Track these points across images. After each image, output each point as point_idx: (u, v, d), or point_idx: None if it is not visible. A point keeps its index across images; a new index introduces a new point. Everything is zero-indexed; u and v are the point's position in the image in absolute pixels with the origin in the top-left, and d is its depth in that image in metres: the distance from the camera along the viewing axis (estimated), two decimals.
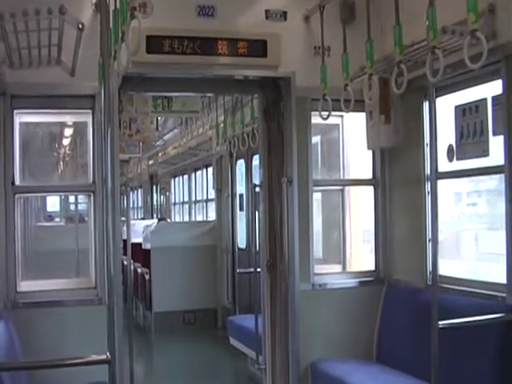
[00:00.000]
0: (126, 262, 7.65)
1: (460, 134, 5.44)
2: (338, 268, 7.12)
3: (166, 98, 10.98)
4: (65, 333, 5.76)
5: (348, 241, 7.18)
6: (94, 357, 3.89)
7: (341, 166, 7.22)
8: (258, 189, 7.28)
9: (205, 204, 16.52)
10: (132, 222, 12.78)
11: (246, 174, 11.62)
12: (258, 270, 7.32)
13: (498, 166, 5.12)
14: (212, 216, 14.75)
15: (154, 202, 25.39)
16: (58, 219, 15.66)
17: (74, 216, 12.05)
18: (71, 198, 12.95)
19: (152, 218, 22.62)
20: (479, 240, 7.36)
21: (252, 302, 8.24)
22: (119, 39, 4.23)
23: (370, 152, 6.91)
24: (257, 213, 7.63)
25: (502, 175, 5.11)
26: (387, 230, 6.82)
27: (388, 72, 5.71)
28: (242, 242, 11.99)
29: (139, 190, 28.57)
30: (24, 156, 6.33)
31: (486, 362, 4.98)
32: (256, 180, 8.81)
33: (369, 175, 7.03)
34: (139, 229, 13.85)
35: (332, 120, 6.65)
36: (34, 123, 6.99)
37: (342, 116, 7.03)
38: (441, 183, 5.62)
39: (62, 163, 11.28)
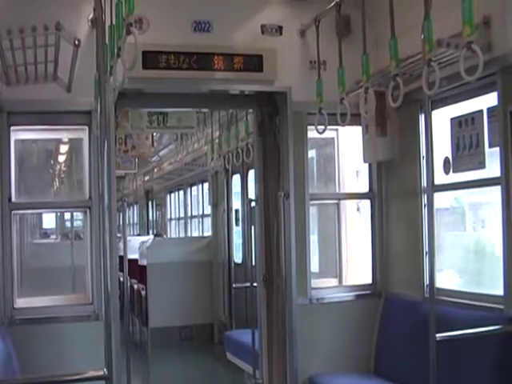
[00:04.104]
0: (122, 279, 7.64)
1: (456, 147, 5.45)
2: (334, 282, 7.10)
3: (162, 113, 10.97)
4: (62, 349, 5.74)
5: (344, 254, 7.16)
6: (92, 373, 3.89)
7: (336, 179, 7.22)
8: (253, 203, 7.27)
9: (201, 219, 16.51)
10: (128, 238, 12.76)
11: (242, 189, 11.62)
12: (255, 284, 7.30)
13: (495, 178, 5.13)
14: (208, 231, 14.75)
15: (150, 218, 25.37)
16: (53, 236, 15.66)
17: (70, 233, 12.04)
18: (67, 215, 12.94)
19: (148, 233, 22.60)
20: None
21: (249, 316, 8.22)
22: (115, 55, 4.24)
23: (366, 165, 6.92)
24: (253, 227, 7.61)
25: None
26: (384, 243, 6.81)
27: (384, 85, 5.74)
28: (238, 256, 11.98)
29: (135, 206, 28.57)
30: (20, 173, 6.32)
31: (484, 374, 4.97)
32: (252, 195, 8.81)
33: (365, 188, 7.04)
34: (135, 245, 13.83)
35: (327, 134, 6.67)
36: (30, 140, 6.99)
37: (336, 130, 7.03)
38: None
39: (57, 180, 11.28)
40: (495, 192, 5.19)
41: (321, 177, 7.61)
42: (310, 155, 7.02)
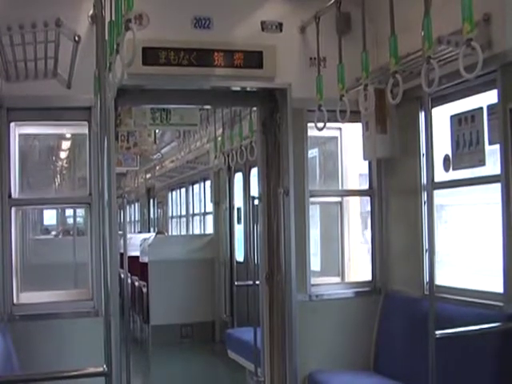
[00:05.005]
0: (122, 275, 7.63)
1: (456, 144, 5.44)
2: (337, 280, 7.09)
3: (165, 110, 10.95)
4: (62, 345, 5.74)
5: (347, 253, 7.15)
6: (91, 369, 3.88)
7: (339, 178, 7.21)
8: (256, 201, 7.26)
9: (202, 217, 16.50)
10: (129, 235, 12.75)
11: (244, 187, 11.62)
12: (257, 282, 7.29)
13: (495, 176, 5.12)
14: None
15: (151, 216, 25.37)
16: (54, 232, 15.69)
17: (71, 229, 12.05)
18: (68, 212, 12.96)
19: (149, 231, 22.59)
20: None
21: (250, 314, 8.21)
22: (114, 51, 4.24)
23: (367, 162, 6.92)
24: (255, 225, 7.60)
25: None
26: (384, 240, 6.81)
27: (384, 82, 5.72)
28: (239, 254, 11.98)
29: (136, 204, 28.56)
30: (22, 168, 6.33)
31: (483, 372, 4.97)
32: (254, 193, 8.79)
33: (365, 186, 7.04)
34: (137, 242, 13.84)
35: (330, 133, 6.66)
36: (32, 136, 6.99)
37: (340, 128, 7.03)
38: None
39: (59, 176, 11.28)
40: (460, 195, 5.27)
41: (324, 176, 7.60)
42: (313, 154, 7.02)
